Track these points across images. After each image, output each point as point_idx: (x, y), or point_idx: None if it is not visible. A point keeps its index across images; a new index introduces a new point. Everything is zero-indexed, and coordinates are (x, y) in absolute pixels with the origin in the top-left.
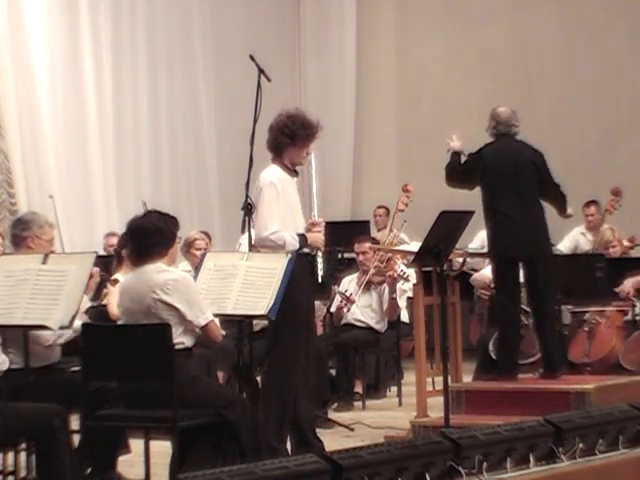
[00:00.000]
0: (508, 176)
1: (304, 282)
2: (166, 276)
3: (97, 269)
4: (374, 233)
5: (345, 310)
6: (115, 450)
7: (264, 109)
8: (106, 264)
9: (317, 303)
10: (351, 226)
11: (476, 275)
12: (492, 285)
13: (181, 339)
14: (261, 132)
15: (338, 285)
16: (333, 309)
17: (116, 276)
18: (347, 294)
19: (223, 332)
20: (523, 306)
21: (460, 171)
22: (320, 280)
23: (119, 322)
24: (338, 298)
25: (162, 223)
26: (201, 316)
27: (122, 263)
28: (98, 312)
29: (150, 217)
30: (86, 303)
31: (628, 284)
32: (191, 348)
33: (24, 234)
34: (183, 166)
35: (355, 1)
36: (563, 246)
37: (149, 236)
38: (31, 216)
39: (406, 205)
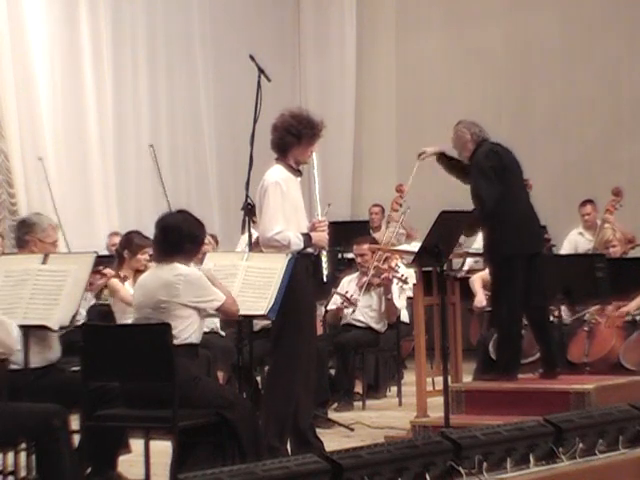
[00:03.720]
0: (517, 173)
1: (306, 282)
2: (175, 274)
3: (110, 270)
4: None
5: (346, 311)
6: (115, 450)
7: (264, 109)
8: (107, 264)
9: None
10: (351, 226)
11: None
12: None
13: (186, 335)
14: (261, 132)
15: (337, 286)
16: (331, 307)
17: None
18: (348, 295)
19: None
20: None
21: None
22: (325, 279)
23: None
24: (336, 298)
25: (197, 229)
26: (214, 301)
27: (123, 263)
28: (98, 312)
29: (187, 220)
30: (90, 301)
31: (633, 304)
32: (197, 346)
33: (27, 238)
34: (183, 166)
35: (355, 1)
36: (564, 251)
37: (183, 240)
38: (34, 219)
39: (400, 205)
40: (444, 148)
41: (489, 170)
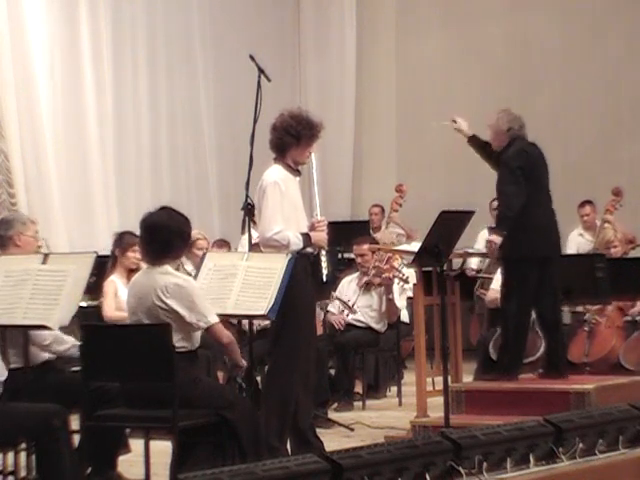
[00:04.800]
0: (544, 176)
1: (305, 282)
2: (168, 280)
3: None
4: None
5: (344, 318)
6: (115, 450)
7: (264, 109)
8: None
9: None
10: (351, 226)
11: (490, 294)
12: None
13: (182, 343)
14: (261, 132)
15: (337, 286)
16: (330, 309)
17: (112, 278)
18: (350, 303)
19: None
20: None
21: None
22: (325, 279)
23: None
24: (336, 303)
25: (184, 226)
26: (202, 319)
27: (116, 264)
28: (94, 313)
29: (173, 217)
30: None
31: None
32: (195, 351)
33: (9, 233)
34: (183, 166)
35: (355, 1)
36: (571, 251)
37: (172, 238)
38: (12, 215)
39: (400, 205)
40: (476, 132)
41: (517, 170)
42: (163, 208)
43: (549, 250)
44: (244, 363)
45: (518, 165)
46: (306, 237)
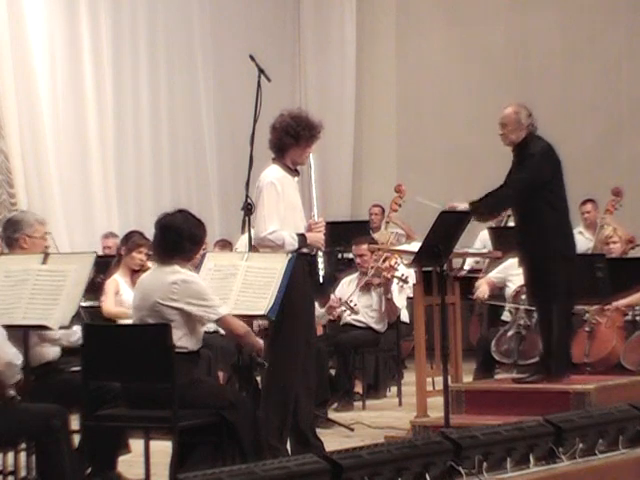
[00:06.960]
0: (562, 178)
1: (304, 282)
2: (174, 277)
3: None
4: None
5: (344, 315)
6: (115, 450)
7: (264, 109)
8: (105, 265)
9: (320, 310)
10: (351, 226)
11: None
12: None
13: (184, 343)
14: (261, 132)
15: (336, 286)
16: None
17: (115, 277)
18: (352, 304)
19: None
20: (527, 307)
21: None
22: (321, 280)
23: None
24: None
25: (197, 230)
26: (212, 311)
27: (120, 263)
28: (95, 312)
29: (188, 220)
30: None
31: (623, 301)
32: (197, 352)
33: (16, 235)
34: (183, 166)
35: (355, 1)
36: None
37: (183, 240)
38: (21, 216)
39: (399, 205)
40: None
41: (549, 169)
42: (180, 211)
43: (575, 250)
44: (261, 343)
45: (550, 165)
46: (302, 238)
